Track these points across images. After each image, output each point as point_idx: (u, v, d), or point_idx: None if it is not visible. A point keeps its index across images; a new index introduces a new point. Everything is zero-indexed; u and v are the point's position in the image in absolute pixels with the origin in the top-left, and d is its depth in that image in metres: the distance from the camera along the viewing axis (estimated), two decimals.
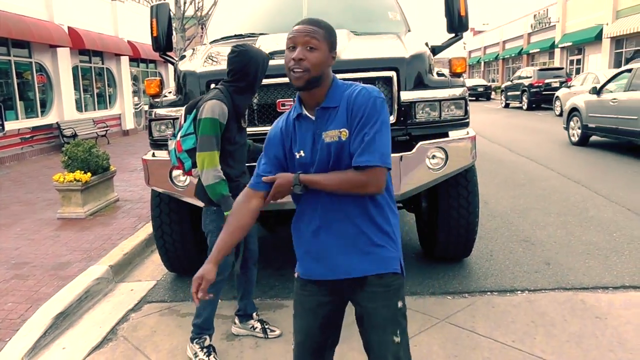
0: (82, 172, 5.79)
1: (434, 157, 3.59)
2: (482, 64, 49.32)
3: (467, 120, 3.79)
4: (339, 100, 1.66)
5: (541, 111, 20.49)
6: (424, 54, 3.77)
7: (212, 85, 3.55)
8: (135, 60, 19.38)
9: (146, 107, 20.90)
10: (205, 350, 2.96)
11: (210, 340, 3.03)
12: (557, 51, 31.62)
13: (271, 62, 3.45)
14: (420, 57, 3.71)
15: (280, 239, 4.91)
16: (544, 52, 34.29)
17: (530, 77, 21.88)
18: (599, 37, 25.57)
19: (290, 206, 3.51)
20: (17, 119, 12.56)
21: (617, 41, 24.81)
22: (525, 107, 21.69)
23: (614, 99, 9.57)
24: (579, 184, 7.06)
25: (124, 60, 18.02)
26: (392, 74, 3.56)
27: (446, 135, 3.67)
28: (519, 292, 3.73)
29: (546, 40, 32.99)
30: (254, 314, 3.28)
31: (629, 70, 9.71)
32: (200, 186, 2.84)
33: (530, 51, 35.77)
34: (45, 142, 13.34)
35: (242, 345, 3.15)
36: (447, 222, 4.02)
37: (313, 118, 1.68)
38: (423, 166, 3.53)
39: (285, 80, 3.37)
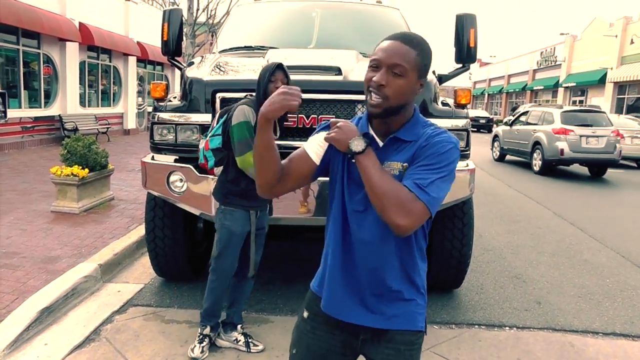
0: (80, 167, 5.78)
1: None
2: (486, 95, 49.79)
3: (468, 152, 3.81)
4: (416, 136, 1.48)
5: None
6: (430, 83, 3.80)
7: (218, 95, 3.58)
8: (143, 61, 19.48)
9: (149, 109, 20.94)
10: (199, 337, 3.12)
11: (212, 331, 3.16)
12: (560, 90, 31.97)
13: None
14: (426, 86, 3.73)
15: (270, 254, 4.88)
16: (548, 90, 34.65)
17: None
18: (602, 81, 25.92)
19: (285, 222, 3.54)
20: (20, 107, 12.58)
21: (620, 87, 25.16)
22: None
23: (518, 130, 13.96)
24: (574, 225, 7.08)
25: (132, 60, 18.11)
26: None
27: None
28: (507, 328, 3.72)
29: (551, 79, 33.36)
30: (239, 326, 3.26)
31: (527, 112, 14.46)
32: (216, 186, 3.07)
33: (534, 88, 36.16)
34: (45, 133, 13.33)
35: (224, 357, 3.12)
36: (440, 252, 4.02)
37: (380, 144, 1.51)
38: None
39: None
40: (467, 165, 3.77)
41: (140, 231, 5.19)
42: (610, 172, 13.58)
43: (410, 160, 1.45)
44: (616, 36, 25.15)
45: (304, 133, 3.46)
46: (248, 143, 2.77)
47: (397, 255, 1.53)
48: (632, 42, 24.05)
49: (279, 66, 2.88)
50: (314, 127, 3.52)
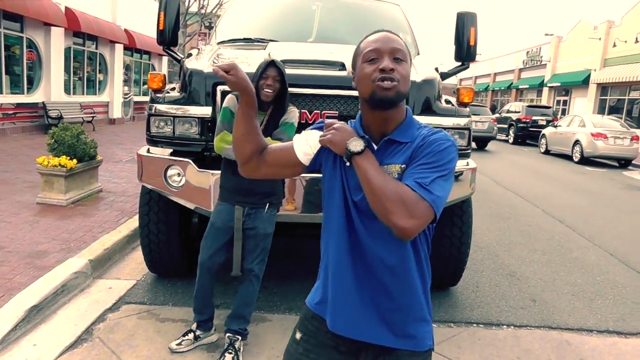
0: (68, 157, 5.60)
1: None
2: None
3: (469, 151, 3.78)
4: (411, 137, 1.44)
5: (526, 147, 20.81)
6: (434, 80, 3.76)
7: (219, 88, 3.48)
8: (130, 49, 19.13)
9: (136, 98, 20.49)
10: (184, 333, 3.16)
11: (199, 328, 3.14)
12: (545, 90, 32.29)
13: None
14: (430, 83, 3.70)
15: None
16: (533, 89, 34.95)
17: (519, 112, 22.13)
18: (586, 82, 26.24)
19: (283, 219, 3.46)
20: (0, 93, 12.21)
21: (603, 88, 25.52)
22: (511, 140, 22.00)
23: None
24: (563, 223, 7.14)
25: (119, 47, 17.76)
26: None
27: None
28: (505, 326, 3.71)
29: (536, 78, 33.62)
30: (227, 335, 3.06)
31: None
32: None
33: (520, 86, 36.42)
34: (28, 121, 13.00)
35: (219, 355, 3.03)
36: (438, 250, 3.98)
37: (375, 147, 1.44)
38: None
39: (292, 90, 3.30)
40: (468, 164, 3.74)
41: (130, 225, 5.06)
42: (593, 171, 13.83)
43: (407, 161, 1.40)
44: (600, 39, 25.44)
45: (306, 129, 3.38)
46: (219, 126, 2.88)
47: (412, 263, 1.46)
48: (614, 45, 24.37)
49: (271, 63, 2.85)
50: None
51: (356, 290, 1.47)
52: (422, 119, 3.54)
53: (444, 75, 4.53)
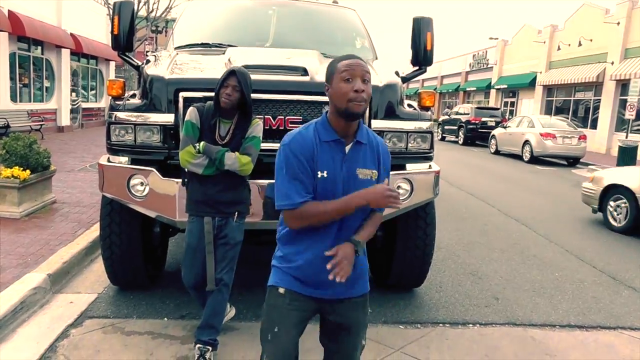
0: (21, 168, 5.37)
1: (399, 187, 3.62)
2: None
3: (432, 154, 3.86)
4: (366, 139, 1.91)
5: (476, 147, 21.43)
6: (397, 84, 3.82)
7: (181, 94, 3.42)
8: (77, 54, 18.47)
9: (84, 105, 19.72)
10: None
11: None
12: (492, 92, 33.34)
13: None
14: (393, 87, 3.75)
15: None
16: (480, 91, 36.03)
17: (468, 114, 22.75)
18: (532, 84, 27.28)
19: (248, 227, 3.42)
20: None
21: (549, 89, 26.60)
22: (461, 142, 22.63)
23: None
24: (519, 222, 7.40)
25: (65, 53, 17.11)
26: None
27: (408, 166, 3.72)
28: (471, 325, 3.81)
29: (483, 80, 34.66)
30: (197, 346, 3.03)
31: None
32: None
33: (467, 89, 37.46)
34: None
35: None
36: (403, 252, 4.05)
37: (347, 147, 1.87)
38: None
39: (256, 96, 3.26)
40: (430, 167, 3.82)
41: (88, 237, 4.89)
42: (543, 170, 14.41)
43: (375, 168, 1.90)
44: (544, 42, 26.56)
45: (271, 135, 3.36)
46: (184, 140, 2.90)
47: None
48: (558, 49, 25.50)
49: (232, 72, 2.89)
50: (281, 128, 3.42)
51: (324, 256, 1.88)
52: (386, 123, 3.63)
53: (403, 80, 4.61)
